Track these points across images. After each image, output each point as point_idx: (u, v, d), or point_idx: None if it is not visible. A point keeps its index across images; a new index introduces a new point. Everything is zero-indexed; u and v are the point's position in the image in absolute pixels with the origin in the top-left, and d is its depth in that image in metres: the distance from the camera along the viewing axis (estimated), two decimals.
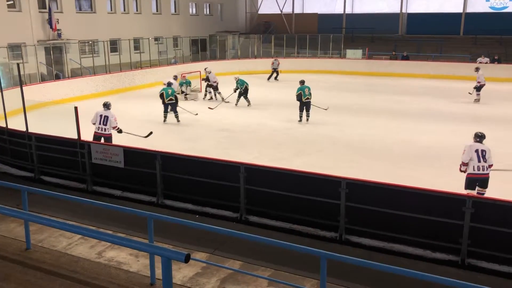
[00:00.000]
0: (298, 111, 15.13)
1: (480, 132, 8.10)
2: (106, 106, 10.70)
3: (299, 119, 15.18)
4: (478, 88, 18.95)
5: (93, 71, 21.67)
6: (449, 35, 32.80)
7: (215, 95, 19.39)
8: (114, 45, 24.83)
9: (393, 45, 31.73)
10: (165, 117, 15.14)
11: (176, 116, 15.13)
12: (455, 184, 7.86)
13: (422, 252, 6.56)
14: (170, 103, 14.84)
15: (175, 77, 18.62)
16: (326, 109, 16.31)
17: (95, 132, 10.50)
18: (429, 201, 6.58)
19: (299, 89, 14.82)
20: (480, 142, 7.99)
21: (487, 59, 26.52)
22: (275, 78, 26.31)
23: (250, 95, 18.20)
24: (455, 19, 34.21)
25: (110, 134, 10.52)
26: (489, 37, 31.04)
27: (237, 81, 18.03)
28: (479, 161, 7.82)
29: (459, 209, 6.25)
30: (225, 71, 27.50)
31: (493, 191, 7.47)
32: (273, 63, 26.64)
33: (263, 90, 19.51)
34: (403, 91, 21.75)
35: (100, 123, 10.46)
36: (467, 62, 28.08)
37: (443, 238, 6.45)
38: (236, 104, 18.20)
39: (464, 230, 6.27)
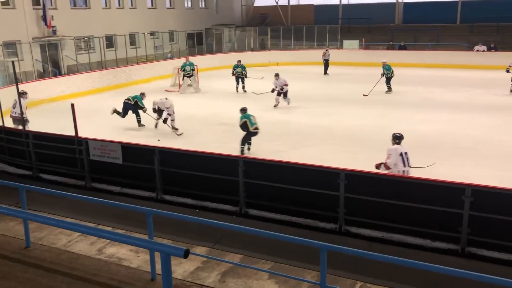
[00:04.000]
0: (241, 143, 11.10)
1: (398, 133, 7.67)
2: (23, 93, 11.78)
3: (241, 152, 11.02)
4: (278, 93, 16.30)
5: (89, 67, 21.58)
6: (446, 24, 32.68)
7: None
8: (109, 41, 24.68)
9: (390, 35, 31.62)
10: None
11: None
12: (454, 173, 7.86)
13: (422, 241, 6.57)
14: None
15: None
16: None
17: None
18: (428, 190, 6.58)
19: (242, 118, 10.99)
20: (399, 143, 7.56)
21: (484, 47, 26.49)
22: (325, 72, 25.33)
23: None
24: (452, 7, 34.07)
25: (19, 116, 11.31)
26: (485, 25, 30.92)
27: (384, 66, 18.56)
28: (404, 166, 7.39)
29: (459, 198, 6.25)
30: (222, 65, 27.43)
31: (491, 179, 7.48)
32: (324, 54, 25.61)
33: (263, 82, 19.46)
34: (400, 81, 21.62)
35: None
36: (464, 50, 28.03)
37: (442, 227, 6.46)
38: (389, 91, 18.78)
39: (464, 219, 6.27)
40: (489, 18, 30.85)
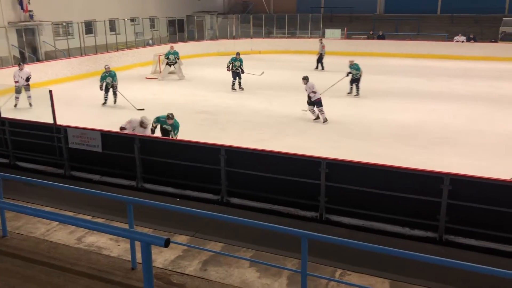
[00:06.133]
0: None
1: None
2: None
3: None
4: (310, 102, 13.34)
5: (68, 53, 21.14)
6: (426, 14, 32.96)
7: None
8: (89, 27, 24.17)
9: (372, 24, 31.75)
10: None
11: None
12: (432, 162, 7.98)
13: (401, 229, 6.66)
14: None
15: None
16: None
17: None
18: (407, 179, 6.65)
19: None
20: None
21: (463, 38, 26.84)
22: (321, 67, 22.79)
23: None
24: None
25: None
26: (465, 16, 31.30)
27: (351, 66, 16.09)
28: None
29: (437, 187, 6.35)
30: (204, 52, 27.22)
31: (469, 168, 7.61)
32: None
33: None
34: (381, 70, 21.82)
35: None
36: (444, 40, 28.35)
37: (421, 216, 6.56)
38: (357, 94, 16.22)
39: (442, 207, 6.38)
40: (469, 9, 31.22)
